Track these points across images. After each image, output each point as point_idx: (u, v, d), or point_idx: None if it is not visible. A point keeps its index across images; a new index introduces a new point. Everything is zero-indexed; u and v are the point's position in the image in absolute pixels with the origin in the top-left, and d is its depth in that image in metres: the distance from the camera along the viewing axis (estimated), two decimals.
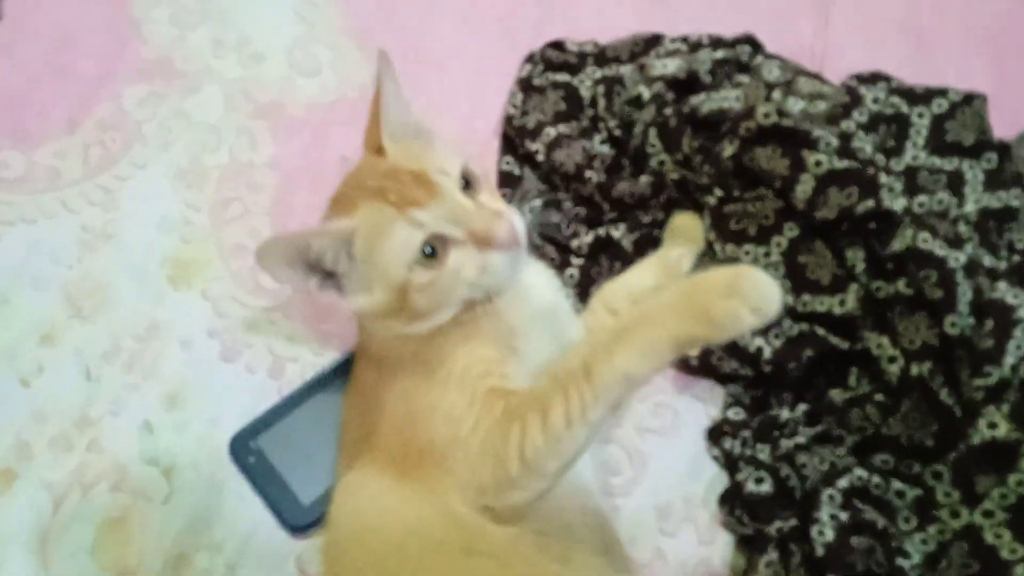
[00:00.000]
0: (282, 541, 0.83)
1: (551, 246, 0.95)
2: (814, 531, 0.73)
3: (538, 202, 0.97)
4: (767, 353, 0.82)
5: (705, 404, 0.88)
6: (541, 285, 0.83)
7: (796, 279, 0.84)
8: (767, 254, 0.85)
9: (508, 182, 1.01)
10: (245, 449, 0.86)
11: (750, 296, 0.60)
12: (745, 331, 0.62)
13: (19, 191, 1.00)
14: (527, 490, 0.68)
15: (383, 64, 0.78)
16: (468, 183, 0.74)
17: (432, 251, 0.71)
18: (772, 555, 0.76)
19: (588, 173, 0.93)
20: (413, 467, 0.72)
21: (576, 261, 0.94)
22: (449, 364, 0.73)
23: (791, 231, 0.86)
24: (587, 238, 0.93)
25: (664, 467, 0.85)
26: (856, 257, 0.83)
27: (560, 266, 0.94)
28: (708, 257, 0.87)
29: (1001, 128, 0.94)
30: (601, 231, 0.93)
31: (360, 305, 0.74)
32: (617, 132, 0.97)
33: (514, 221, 0.73)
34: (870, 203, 0.83)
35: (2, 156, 1.02)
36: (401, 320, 0.73)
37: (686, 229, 0.88)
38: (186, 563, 0.82)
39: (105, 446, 0.87)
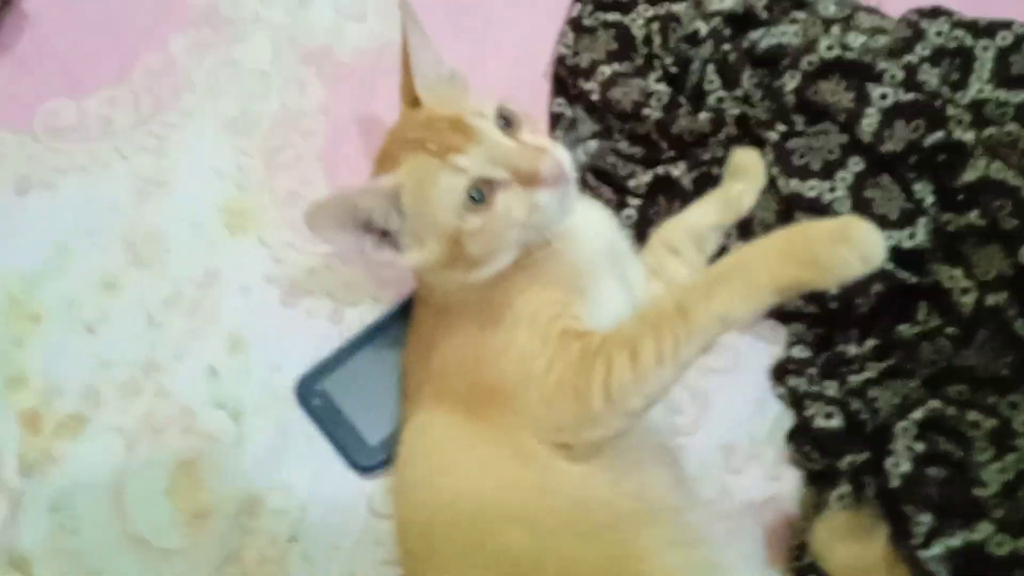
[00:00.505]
0: (352, 482, 0.85)
1: (607, 187, 0.94)
2: (889, 463, 0.73)
3: (593, 143, 0.96)
4: (834, 288, 0.81)
5: (768, 343, 0.88)
6: (600, 225, 0.83)
7: (863, 213, 0.82)
8: (832, 189, 0.84)
9: (560, 124, 1.00)
10: (311, 392, 0.87)
11: (859, 243, 0.62)
12: (851, 278, 0.63)
13: (73, 140, 1.00)
14: (608, 427, 0.68)
15: (406, 14, 0.77)
16: (508, 122, 0.73)
17: (480, 196, 0.70)
18: (844, 488, 0.76)
19: (645, 111, 0.92)
20: (482, 406, 0.72)
21: (634, 201, 0.93)
22: (517, 308, 0.73)
23: (856, 165, 0.84)
24: (645, 177, 0.92)
25: (727, 406, 0.86)
26: (925, 190, 0.82)
27: (617, 206, 0.93)
28: (770, 193, 0.86)
29: None
30: (660, 170, 0.92)
31: (417, 260, 0.74)
32: (673, 70, 0.95)
33: (559, 156, 0.71)
34: (939, 134, 0.81)
35: (54, 105, 1.01)
36: (459, 270, 0.73)
37: (747, 165, 0.87)
38: (259, 504, 0.83)
39: (172, 391, 0.88)
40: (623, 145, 0.95)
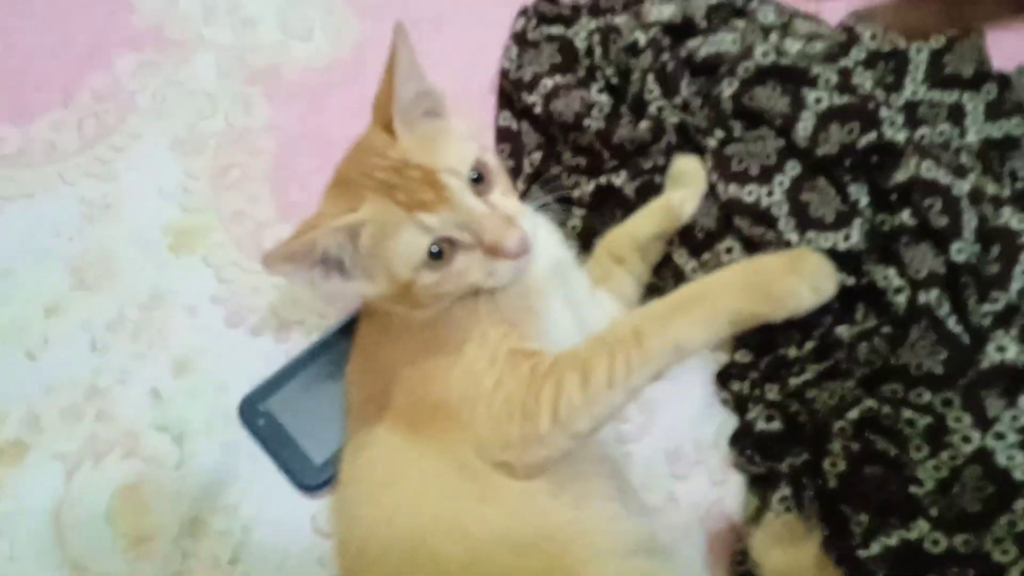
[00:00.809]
0: (296, 502, 0.84)
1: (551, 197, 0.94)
2: (826, 463, 0.73)
3: (537, 155, 0.97)
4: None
5: (712, 349, 0.88)
6: (546, 242, 0.83)
7: (800, 217, 0.83)
8: (770, 193, 0.84)
9: (506, 137, 1.01)
10: (255, 412, 0.86)
11: (810, 275, 0.64)
12: (802, 309, 0.65)
13: (17, 165, 1.00)
14: (552, 448, 0.68)
15: (399, 36, 0.74)
16: (481, 176, 0.71)
17: (439, 253, 0.69)
18: (785, 491, 0.76)
19: (587, 121, 0.93)
20: (425, 423, 0.72)
21: (578, 212, 0.93)
22: (465, 327, 0.73)
23: (793, 169, 0.85)
24: (588, 187, 0.93)
25: (673, 412, 0.85)
26: (859, 192, 0.83)
27: (561, 218, 0.93)
28: (711, 199, 0.87)
29: (1000, 63, 0.93)
30: (602, 180, 0.92)
31: (364, 292, 0.73)
32: (614, 80, 0.96)
33: (525, 229, 0.70)
34: (872, 136, 0.82)
35: None
36: (403, 306, 0.73)
37: (688, 172, 0.88)
38: (202, 526, 0.82)
39: (115, 415, 0.87)
40: (566, 156, 0.95)
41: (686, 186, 0.88)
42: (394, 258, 0.70)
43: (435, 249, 0.69)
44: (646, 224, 0.88)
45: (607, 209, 0.92)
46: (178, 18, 1.08)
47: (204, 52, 1.06)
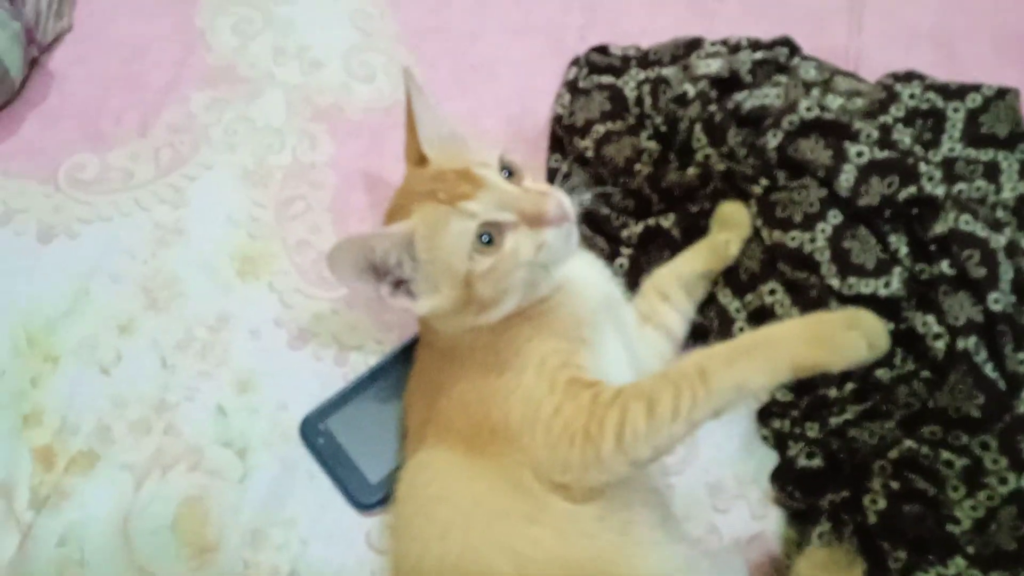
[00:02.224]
0: (352, 518, 0.87)
1: (601, 237, 0.99)
2: (867, 500, 0.76)
3: (588, 195, 1.02)
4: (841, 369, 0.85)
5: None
6: (596, 276, 0.87)
7: (841, 263, 0.87)
8: (813, 239, 0.88)
9: (556, 179, 1.06)
10: (314, 431, 0.90)
11: (868, 331, 0.68)
12: (858, 362, 0.68)
13: (95, 191, 1.06)
14: (611, 473, 0.71)
15: (409, 80, 0.83)
16: (510, 172, 0.78)
17: (489, 238, 0.74)
18: (824, 526, 0.79)
19: (637, 166, 0.98)
20: (484, 444, 0.75)
21: (626, 251, 0.98)
22: (524, 354, 0.76)
23: (835, 218, 0.89)
24: (637, 228, 0.97)
25: (715, 447, 0.89)
26: (899, 241, 0.87)
27: (610, 256, 0.97)
28: (755, 243, 0.91)
29: None
30: (650, 221, 0.97)
31: (430, 306, 0.77)
32: (663, 128, 1.01)
33: (561, 197, 0.77)
34: (912, 189, 0.86)
35: (78, 159, 1.08)
36: (470, 313, 0.77)
37: (733, 216, 0.92)
38: (262, 538, 0.86)
39: (182, 429, 0.92)
40: (616, 198, 1.00)
41: (731, 229, 0.93)
42: (449, 252, 0.74)
43: (485, 236, 0.74)
44: (693, 263, 0.92)
45: (654, 249, 0.97)
46: (250, 58, 1.15)
47: (273, 90, 1.13)
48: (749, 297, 0.90)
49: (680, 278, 0.91)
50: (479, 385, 0.77)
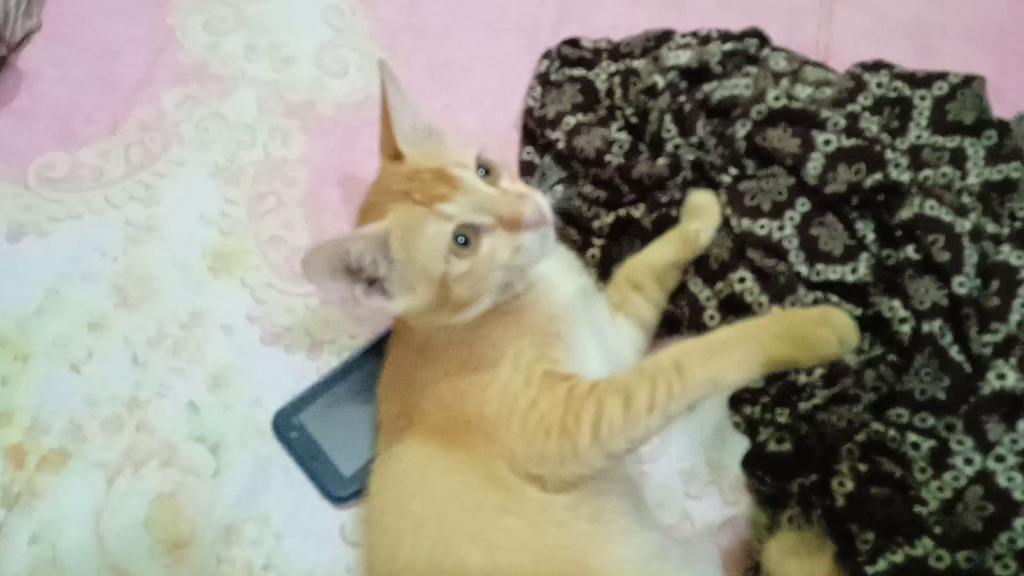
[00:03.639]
0: (326, 512, 0.87)
1: (573, 228, 0.99)
2: (834, 483, 0.76)
3: (559, 187, 1.02)
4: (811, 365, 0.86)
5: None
6: (568, 268, 0.88)
7: (809, 250, 0.88)
8: (781, 227, 0.89)
9: (529, 171, 1.06)
10: (288, 425, 0.90)
11: (838, 327, 0.70)
12: (829, 357, 0.71)
13: (65, 189, 1.05)
14: (587, 466, 0.72)
15: (385, 73, 0.81)
16: (487, 171, 0.77)
17: (466, 240, 0.73)
18: (794, 510, 0.80)
19: (608, 157, 0.98)
20: (458, 437, 0.75)
21: (598, 242, 0.98)
22: (498, 350, 0.77)
23: (803, 206, 0.90)
24: (608, 219, 0.98)
25: (688, 435, 0.89)
26: (866, 228, 0.88)
27: (582, 247, 0.98)
28: (725, 232, 0.91)
29: (1000, 111, 0.98)
30: (621, 212, 0.97)
31: (406, 306, 0.77)
32: (634, 120, 1.02)
33: (539, 200, 0.76)
34: (878, 176, 0.87)
35: (49, 157, 1.07)
36: (445, 312, 0.76)
37: (703, 206, 0.93)
38: (236, 534, 0.86)
39: (154, 426, 0.91)
40: (587, 189, 1.00)
41: (701, 218, 0.93)
42: (425, 254, 0.73)
43: (461, 238, 0.73)
44: (664, 252, 0.93)
45: (625, 239, 0.97)
46: (222, 56, 1.15)
47: (245, 87, 1.12)
48: (719, 285, 0.90)
49: (652, 267, 0.91)
50: (454, 380, 0.77)
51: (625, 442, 0.71)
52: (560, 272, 0.85)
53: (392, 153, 0.81)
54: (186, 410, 0.92)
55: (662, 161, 0.97)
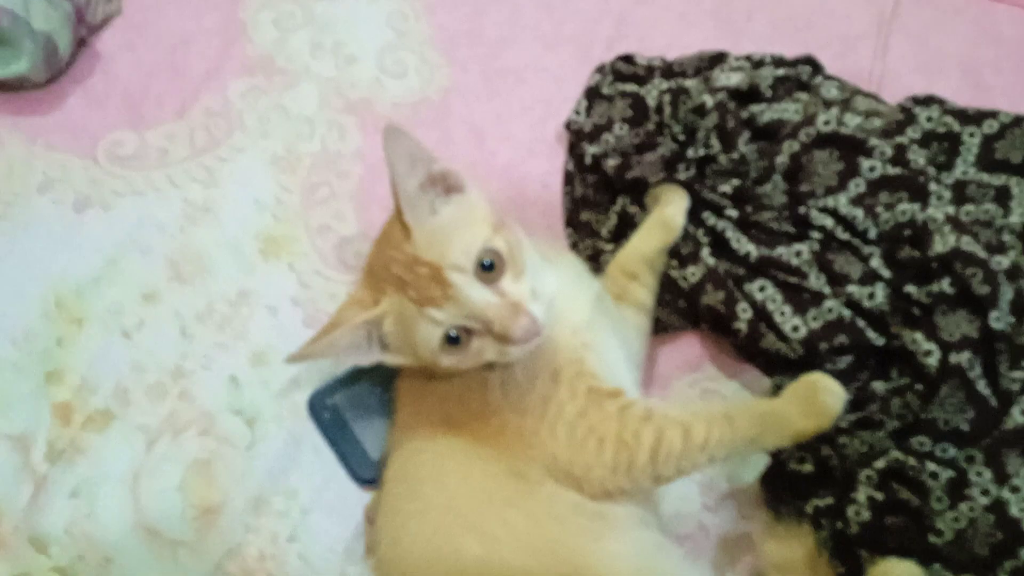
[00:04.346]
0: (352, 493, 0.91)
1: (584, 237, 1.03)
2: (850, 511, 0.77)
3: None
4: (802, 332, 0.87)
5: (752, 393, 0.93)
6: (579, 277, 0.89)
7: (829, 273, 0.90)
8: (798, 254, 0.91)
9: (569, 182, 1.09)
10: (322, 406, 0.94)
11: (837, 391, 0.75)
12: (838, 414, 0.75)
13: (131, 167, 1.11)
14: (635, 481, 0.75)
15: (388, 137, 0.75)
16: (492, 264, 0.74)
17: (456, 338, 0.73)
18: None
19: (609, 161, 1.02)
20: (490, 438, 0.77)
21: (607, 247, 1.01)
22: (532, 367, 0.78)
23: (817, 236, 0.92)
24: (611, 221, 1.01)
25: None
26: (879, 262, 0.89)
27: (594, 255, 1.01)
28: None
29: None
30: (619, 208, 1.01)
31: (398, 362, 0.79)
32: (681, 137, 1.03)
33: (533, 314, 0.73)
34: (915, 206, 0.88)
35: (118, 135, 1.13)
36: (439, 372, 0.78)
37: (668, 191, 0.97)
38: (265, 505, 0.89)
39: (195, 396, 0.96)
40: (589, 193, 1.04)
41: (672, 203, 0.97)
42: (416, 343, 0.75)
43: (452, 334, 0.73)
44: (650, 241, 0.95)
45: (624, 240, 0.99)
46: (288, 51, 1.19)
47: (308, 82, 1.17)
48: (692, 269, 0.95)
49: (643, 256, 0.94)
50: (480, 391, 0.78)
51: (675, 470, 0.75)
52: (574, 283, 0.87)
53: (402, 218, 0.77)
54: (227, 383, 0.96)
55: (651, 157, 0.99)
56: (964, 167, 0.97)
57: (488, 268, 0.73)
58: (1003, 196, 0.94)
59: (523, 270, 0.76)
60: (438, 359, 0.75)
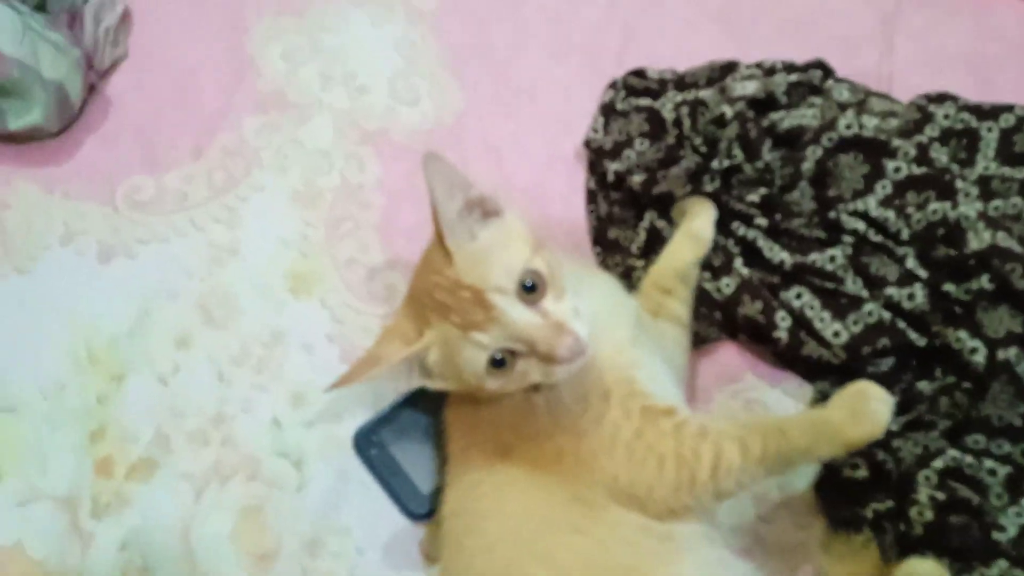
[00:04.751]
0: (405, 528, 0.90)
1: (614, 255, 1.03)
2: (913, 512, 0.78)
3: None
4: (843, 338, 0.88)
5: (795, 400, 0.94)
6: (615, 294, 0.89)
7: (865, 276, 0.91)
8: (832, 259, 0.92)
9: (592, 200, 1.09)
10: (368, 443, 0.93)
11: (884, 398, 0.75)
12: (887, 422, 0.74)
13: (152, 212, 1.10)
14: (697, 498, 0.75)
15: (427, 163, 0.77)
16: (534, 285, 0.74)
17: (501, 361, 0.74)
18: (867, 535, 0.81)
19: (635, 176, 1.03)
20: (548, 463, 0.77)
21: (639, 263, 1.01)
22: (581, 388, 0.78)
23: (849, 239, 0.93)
24: (641, 237, 1.02)
25: None
26: (915, 264, 0.90)
27: (625, 273, 1.01)
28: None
29: None
30: (646, 223, 1.03)
31: (441, 388, 0.79)
32: (703, 149, 1.04)
33: (577, 333, 0.73)
34: (946, 204, 0.89)
35: (135, 181, 1.12)
36: (483, 396, 0.78)
37: (694, 204, 0.98)
38: (320, 546, 0.89)
39: (239, 441, 0.95)
40: (616, 211, 1.04)
41: (699, 215, 0.97)
42: (460, 370, 0.75)
43: (498, 357, 0.73)
44: (683, 255, 0.96)
45: (654, 255, 0.99)
46: (299, 84, 1.19)
47: (321, 115, 1.17)
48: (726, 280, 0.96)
49: (676, 271, 0.95)
50: (530, 417, 0.79)
51: (735, 485, 0.75)
52: (612, 301, 0.87)
53: (443, 243, 0.77)
54: (269, 426, 0.96)
55: (676, 171, 0.99)
56: (985, 162, 0.98)
57: (530, 289, 0.74)
58: None
59: (564, 290, 0.76)
60: (484, 383, 0.75)
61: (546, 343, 0.72)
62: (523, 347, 0.73)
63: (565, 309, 0.75)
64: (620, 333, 0.83)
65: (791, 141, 1.02)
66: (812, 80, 1.08)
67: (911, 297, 0.88)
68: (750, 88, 1.05)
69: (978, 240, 0.87)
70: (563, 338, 0.72)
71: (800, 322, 0.91)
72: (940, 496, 0.78)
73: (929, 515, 0.77)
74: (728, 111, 1.04)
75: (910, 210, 0.92)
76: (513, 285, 0.73)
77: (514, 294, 0.73)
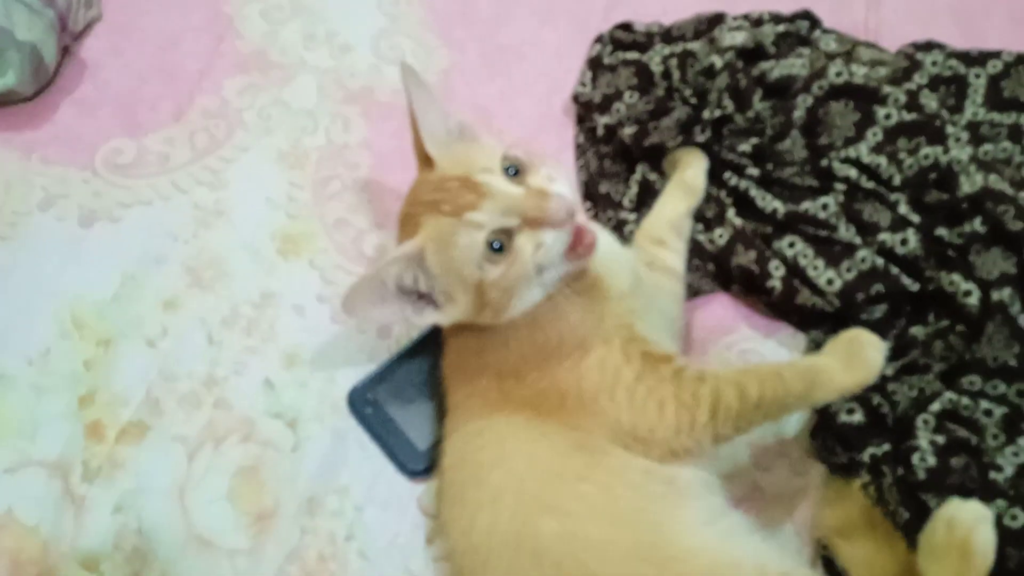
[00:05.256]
0: (403, 485, 0.90)
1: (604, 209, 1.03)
2: (915, 457, 0.78)
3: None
4: (837, 285, 0.89)
5: (789, 350, 0.94)
6: (613, 246, 0.89)
7: (858, 223, 0.91)
8: (825, 207, 0.92)
9: (582, 154, 1.08)
10: (362, 401, 0.93)
11: (877, 345, 0.77)
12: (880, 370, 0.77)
13: (133, 175, 1.08)
14: (697, 441, 0.76)
15: (408, 76, 0.82)
16: (516, 169, 0.77)
17: (500, 245, 0.74)
18: (865, 478, 0.82)
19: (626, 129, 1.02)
20: (551, 410, 0.77)
21: (630, 216, 1.01)
22: (582, 330, 0.78)
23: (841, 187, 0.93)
24: (632, 190, 1.02)
25: None
26: (907, 207, 0.90)
27: (617, 226, 1.01)
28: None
29: None
30: (638, 175, 1.03)
31: (453, 316, 0.79)
32: (693, 101, 1.03)
33: (565, 198, 0.75)
34: (938, 149, 0.90)
35: (115, 144, 1.10)
36: (487, 316, 0.78)
37: (685, 154, 0.99)
38: (318, 505, 0.88)
39: (232, 403, 0.94)
40: (607, 164, 1.04)
41: (691, 165, 0.98)
42: (460, 264, 0.75)
43: (495, 243, 0.74)
44: (675, 205, 0.96)
45: (645, 209, 1.00)
46: (281, 44, 1.17)
47: (305, 74, 1.15)
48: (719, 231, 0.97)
49: (669, 222, 0.95)
50: (535, 360, 0.79)
51: (733, 429, 0.76)
52: (612, 250, 0.87)
53: (424, 159, 0.82)
54: (262, 387, 0.95)
55: (667, 122, 0.99)
56: (974, 108, 0.98)
57: (513, 175, 0.77)
58: (1016, 134, 0.96)
59: (544, 174, 0.79)
60: (485, 274, 0.75)
61: (536, 208, 0.74)
62: (515, 220, 0.74)
63: (541, 179, 0.77)
64: (619, 281, 0.83)
65: (781, 90, 1.01)
66: (799, 30, 1.08)
67: (904, 242, 0.89)
68: (739, 38, 1.05)
69: (970, 183, 0.87)
70: (550, 199, 0.74)
71: (794, 271, 0.91)
72: (940, 440, 0.78)
73: (932, 460, 0.77)
74: (717, 61, 1.03)
75: (901, 156, 0.92)
76: (497, 165, 0.77)
77: (500, 173, 0.76)
